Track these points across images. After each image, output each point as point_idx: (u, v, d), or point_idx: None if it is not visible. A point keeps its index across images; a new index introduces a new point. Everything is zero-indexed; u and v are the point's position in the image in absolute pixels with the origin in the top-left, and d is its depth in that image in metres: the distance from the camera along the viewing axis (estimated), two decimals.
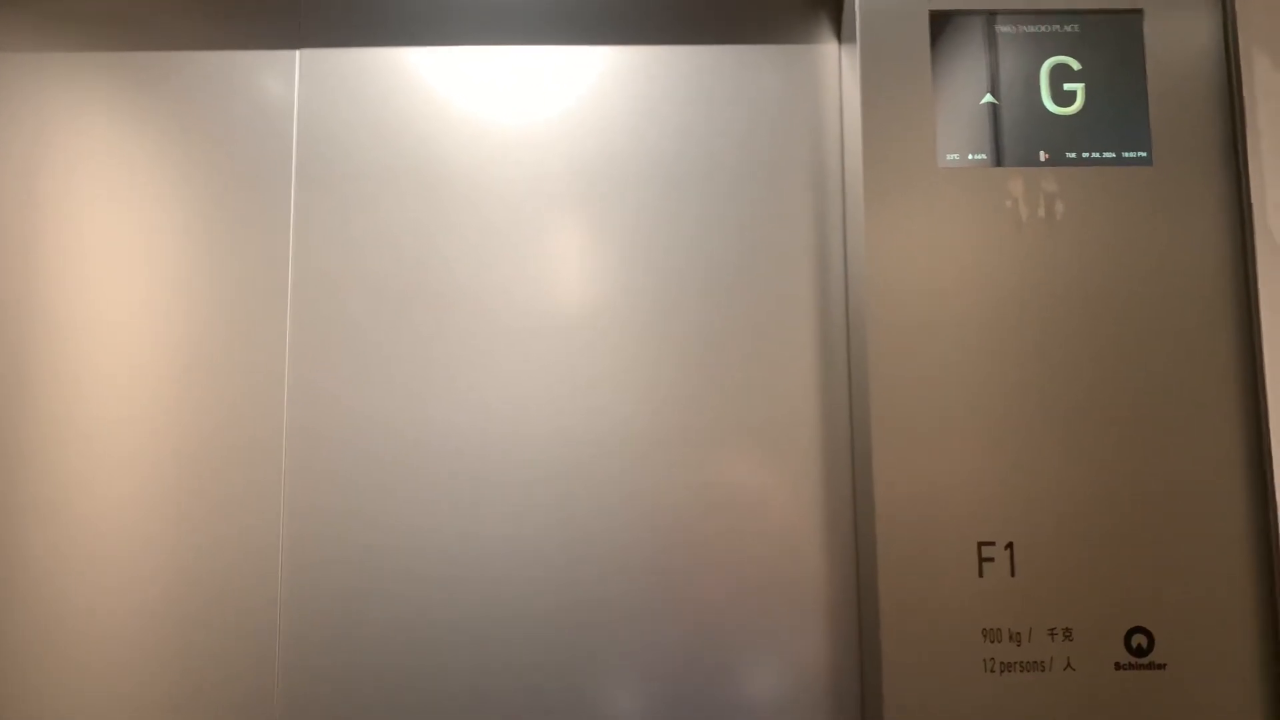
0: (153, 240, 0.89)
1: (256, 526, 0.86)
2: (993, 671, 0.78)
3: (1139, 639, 0.78)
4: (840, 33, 0.91)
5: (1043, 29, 0.85)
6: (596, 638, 0.85)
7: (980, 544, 0.79)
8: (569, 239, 0.90)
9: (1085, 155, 0.83)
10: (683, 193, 0.90)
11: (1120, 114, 0.84)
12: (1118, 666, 0.78)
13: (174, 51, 0.91)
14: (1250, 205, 0.81)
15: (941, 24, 0.84)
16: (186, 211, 0.90)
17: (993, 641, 0.78)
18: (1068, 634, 0.78)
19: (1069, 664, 0.78)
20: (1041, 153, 0.83)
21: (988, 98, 0.84)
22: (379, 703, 0.84)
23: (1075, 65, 0.84)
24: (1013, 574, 0.79)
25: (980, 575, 0.79)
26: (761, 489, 0.87)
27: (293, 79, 0.91)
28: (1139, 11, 0.84)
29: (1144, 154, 0.83)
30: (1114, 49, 0.84)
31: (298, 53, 0.92)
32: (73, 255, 0.89)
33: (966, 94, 0.84)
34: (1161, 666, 0.78)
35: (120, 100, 0.91)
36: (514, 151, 0.91)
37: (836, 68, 0.92)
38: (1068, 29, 0.85)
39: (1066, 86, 0.84)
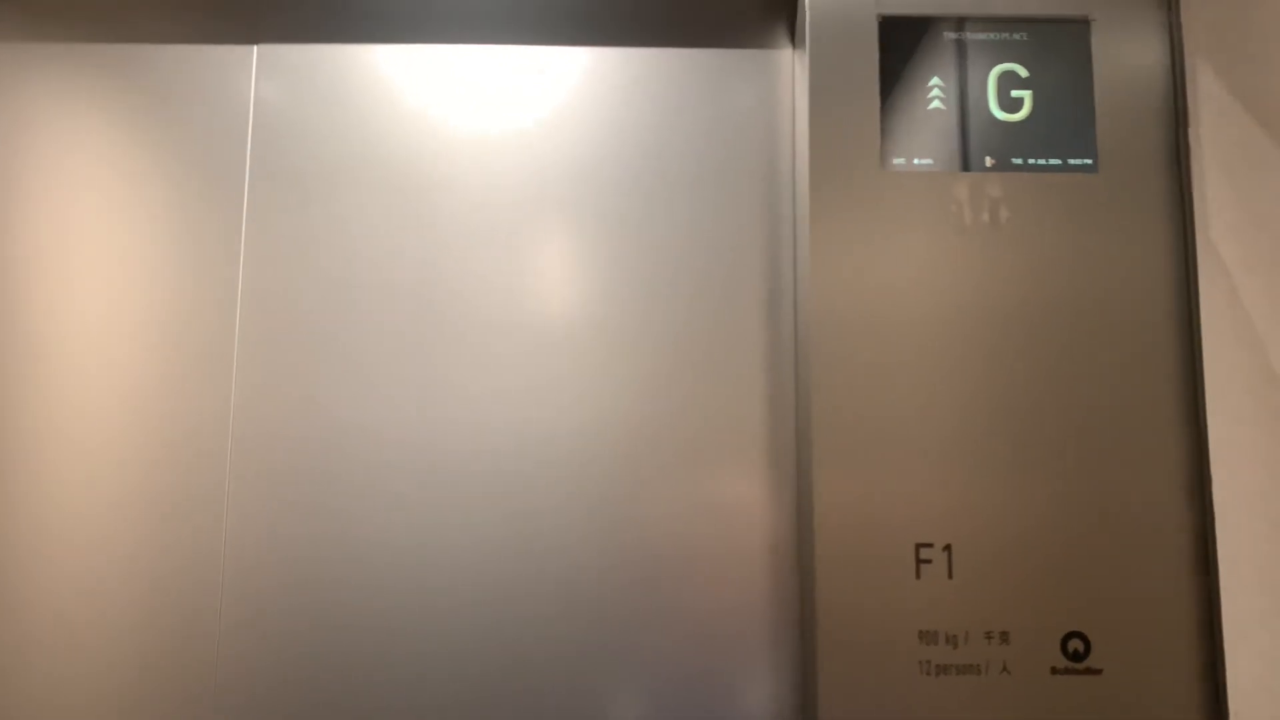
0: (108, 232, 0.90)
1: (201, 525, 0.86)
2: (928, 674, 0.78)
3: (1075, 644, 0.78)
4: (794, 38, 0.92)
5: (991, 36, 0.85)
6: (541, 640, 0.85)
7: (918, 545, 0.79)
8: (525, 241, 0.90)
9: (1031, 161, 0.84)
10: (641, 198, 0.90)
11: (1067, 121, 0.84)
12: (1054, 671, 0.78)
13: (138, 44, 0.92)
14: (1193, 212, 0.82)
15: (890, 29, 0.85)
16: (142, 203, 0.90)
17: (929, 644, 0.78)
18: (1004, 637, 0.78)
19: (1005, 667, 0.78)
20: (988, 158, 0.84)
21: (935, 103, 0.84)
22: (316, 703, 0.84)
23: (1023, 72, 0.85)
24: (950, 576, 0.79)
25: (918, 577, 0.79)
26: (708, 492, 0.87)
27: (250, 74, 0.92)
28: (1087, 21, 0.85)
29: (1089, 161, 0.83)
30: (1062, 57, 0.85)
31: (255, 48, 0.92)
32: (25, 245, 0.89)
33: (914, 99, 0.84)
34: (1098, 672, 0.78)
35: (91, 91, 0.91)
36: (471, 152, 0.91)
37: (791, 73, 0.92)
38: (1016, 37, 0.85)
39: (1014, 93, 0.85)
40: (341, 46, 0.92)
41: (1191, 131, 0.84)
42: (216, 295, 0.89)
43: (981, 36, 0.85)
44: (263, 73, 0.92)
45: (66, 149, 0.90)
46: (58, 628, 0.85)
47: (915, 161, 0.83)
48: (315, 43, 0.92)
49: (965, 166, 0.83)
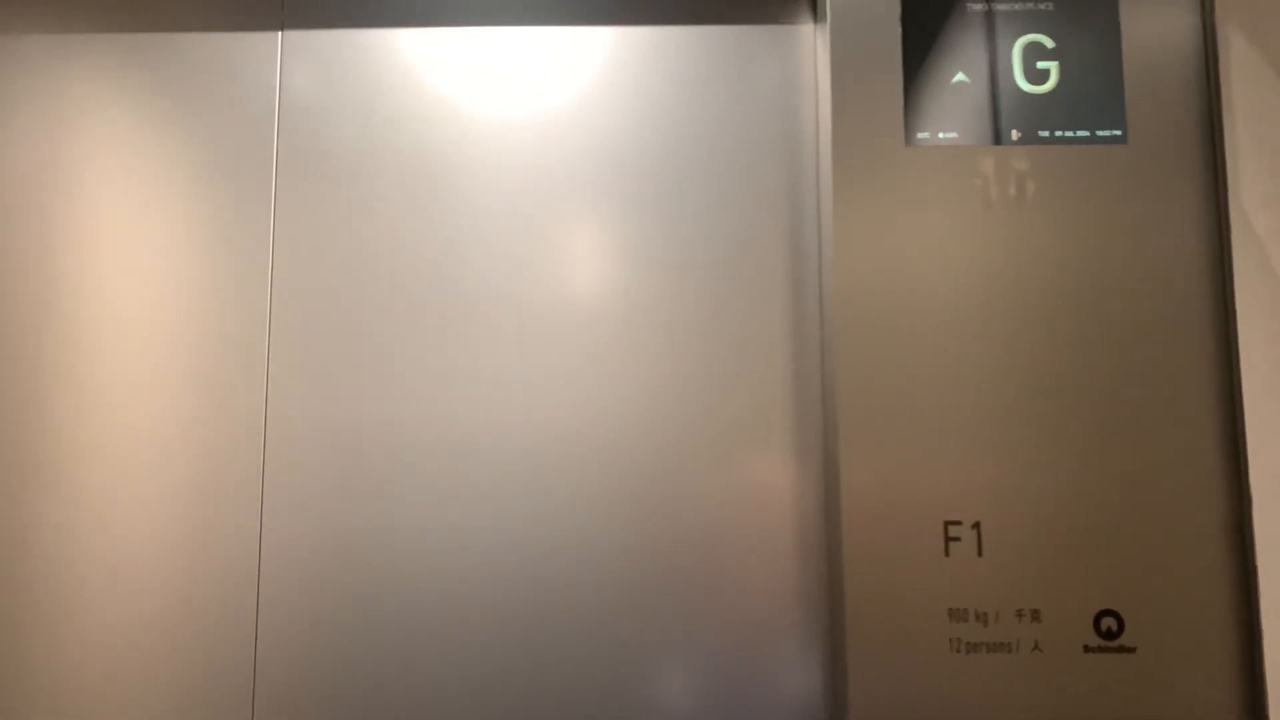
0: (140, 219, 0.90)
1: (237, 516, 0.86)
2: (958, 652, 0.77)
3: (1109, 622, 0.77)
4: (816, 13, 0.91)
5: (1016, 7, 0.84)
6: (573, 624, 0.85)
7: (947, 523, 0.78)
8: (551, 223, 0.90)
9: (1058, 134, 0.82)
10: (664, 177, 0.90)
11: (1095, 92, 0.83)
12: (1087, 649, 0.77)
13: (165, 33, 0.93)
14: (1226, 183, 0.80)
15: (913, 2, 0.84)
16: (172, 189, 0.91)
17: (959, 622, 0.77)
18: (1036, 615, 0.77)
19: (1037, 645, 0.77)
20: (1014, 131, 0.83)
21: (959, 76, 0.83)
22: (353, 695, 0.84)
23: (1049, 43, 0.84)
24: (980, 554, 0.78)
25: (946, 555, 0.78)
26: (735, 474, 0.86)
27: (276, 60, 0.92)
28: None
29: (1119, 132, 0.82)
30: (1089, 27, 0.84)
31: (280, 34, 0.92)
32: (58, 231, 0.90)
33: (938, 73, 0.83)
34: (1132, 650, 0.77)
35: (120, 80, 0.92)
36: (495, 134, 0.91)
37: (810, 48, 0.92)
38: (1041, 7, 0.84)
39: (1040, 65, 0.84)
40: (366, 31, 0.92)
41: (1223, 101, 0.82)
42: (247, 279, 0.89)
43: (1006, 7, 0.84)
44: (289, 59, 0.92)
45: (97, 138, 0.91)
46: (96, 622, 0.86)
47: (940, 136, 0.82)
48: (340, 28, 0.92)
49: (991, 140, 0.82)
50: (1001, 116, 0.83)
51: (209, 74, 0.92)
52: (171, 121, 0.91)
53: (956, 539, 0.78)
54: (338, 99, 0.91)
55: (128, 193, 0.91)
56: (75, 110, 0.92)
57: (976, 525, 0.78)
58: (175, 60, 0.92)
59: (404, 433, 0.87)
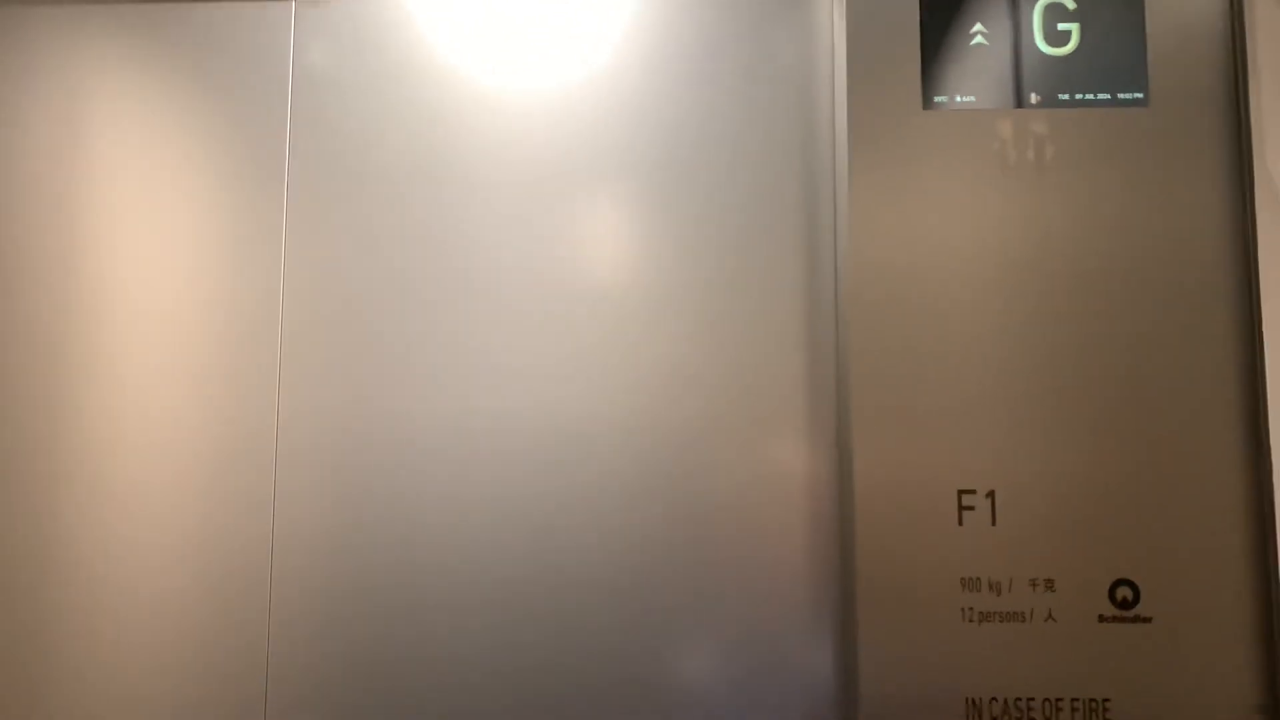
0: (151, 201, 0.90)
1: (248, 515, 0.86)
2: (971, 621, 0.76)
3: (1124, 591, 0.76)
4: None
5: None
6: (587, 620, 0.84)
7: (960, 491, 0.78)
8: (567, 201, 0.89)
9: (1079, 97, 0.81)
10: (680, 151, 0.89)
11: (1116, 54, 0.81)
12: (1101, 619, 0.76)
13: (176, 3, 0.92)
14: (1251, 147, 0.79)
15: None
16: (186, 163, 0.91)
17: (971, 591, 0.77)
18: (1049, 585, 0.77)
19: (1050, 615, 0.76)
20: (1033, 95, 0.81)
21: (978, 39, 0.82)
22: (367, 690, 0.84)
23: (1070, 4, 0.82)
24: (994, 523, 0.77)
25: (960, 524, 0.77)
26: (750, 447, 0.86)
27: (289, 32, 0.92)
28: None
29: (1140, 95, 0.80)
30: None
31: (293, 4, 0.92)
32: (77, 199, 0.91)
33: (955, 34, 0.82)
34: (1147, 620, 0.76)
35: (139, 49, 0.92)
36: (511, 106, 0.90)
37: (830, 13, 0.90)
38: None
39: (1060, 26, 0.82)
40: (379, 1, 0.92)
41: (1249, 62, 0.80)
42: (260, 259, 0.89)
43: None
44: (301, 30, 0.92)
45: (114, 107, 0.91)
46: (106, 616, 0.86)
47: (958, 99, 0.81)
48: None
49: (1010, 103, 0.81)
50: (1021, 79, 0.81)
51: (223, 44, 0.92)
52: (186, 92, 0.91)
53: (970, 508, 0.77)
54: (351, 71, 0.91)
55: (142, 163, 0.91)
56: (94, 80, 0.92)
57: (991, 494, 0.77)
58: (188, 32, 0.92)
59: (417, 420, 0.86)
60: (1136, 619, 0.76)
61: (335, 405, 0.87)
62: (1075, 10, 0.82)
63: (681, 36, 0.90)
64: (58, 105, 0.92)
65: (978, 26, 0.82)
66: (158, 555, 0.86)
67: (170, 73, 0.91)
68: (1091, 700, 0.76)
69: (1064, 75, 0.81)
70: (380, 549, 0.85)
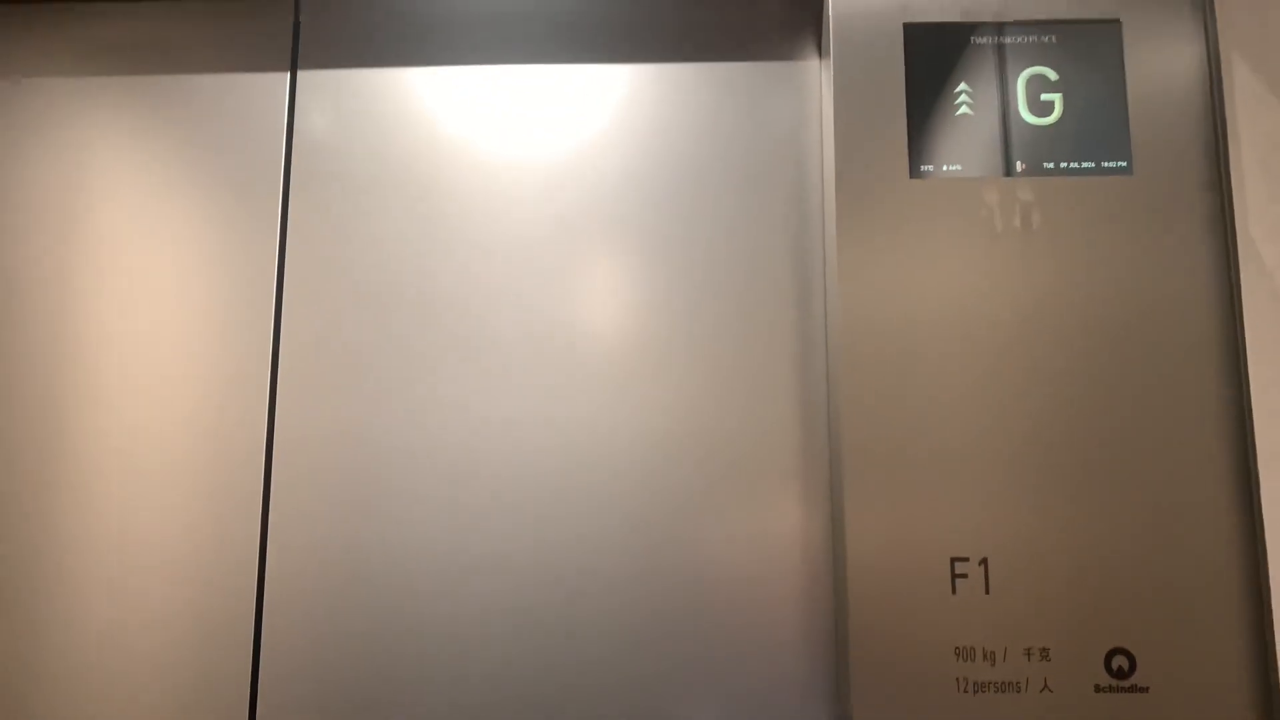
0: (155, 259, 0.91)
1: (238, 538, 0.87)
2: (965, 692, 0.76)
3: (1120, 660, 0.76)
4: (821, 48, 0.91)
5: (1019, 40, 0.84)
6: (576, 654, 0.84)
7: (953, 559, 0.77)
8: (560, 259, 0.90)
9: (1064, 165, 0.82)
10: (673, 213, 0.90)
11: (1100, 124, 0.82)
12: (1098, 689, 0.75)
13: (179, 75, 0.94)
14: (1233, 212, 0.80)
15: (916, 36, 0.84)
16: (186, 226, 0.92)
17: (966, 660, 0.76)
18: (1045, 654, 0.76)
19: (1046, 685, 0.76)
20: (1019, 163, 0.82)
21: (964, 109, 0.83)
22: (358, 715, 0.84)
23: (1052, 75, 0.83)
24: (987, 591, 0.77)
25: (953, 592, 0.77)
26: (742, 509, 0.86)
27: (284, 100, 0.93)
28: (1116, 21, 0.83)
29: (1124, 163, 0.82)
30: (1092, 59, 0.83)
31: (286, 75, 0.94)
32: (78, 267, 0.92)
33: (942, 105, 0.83)
34: (1144, 690, 0.75)
35: (140, 119, 0.94)
36: (507, 172, 0.92)
37: (819, 83, 0.92)
38: (1044, 39, 0.84)
39: (1044, 97, 0.83)
40: (377, 70, 0.93)
41: (1229, 130, 0.81)
42: (257, 315, 0.90)
43: (1009, 40, 0.84)
44: (301, 99, 0.93)
45: (116, 175, 0.93)
46: (101, 634, 0.86)
47: (945, 168, 0.82)
48: (350, 68, 0.93)
49: (996, 172, 0.82)
50: (1007, 148, 0.82)
51: (221, 113, 0.93)
52: (186, 161, 0.93)
53: (963, 576, 0.77)
54: (347, 138, 0.92)
55: (144, 229, 0.92)
56: (97, 149, 0.93)
57: (984, 562, 0.77)
58: (189, 102, 0.94)
59: (412, 460, 0.87)
60: (1133, 689, 0.75)
61: (332, 470, 0.87)
62: (1058, 81, 0.83)
63: (677, 107, 0.92)
64: (62, 174, 0.93)
65: (963, 97, 0.83)
66: (148, 574, 0.86)
67: (172, 142, 0.93)
68: None
69: (1049, 144, 0.82)
70: (374, 607, 0.85)
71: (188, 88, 0.94)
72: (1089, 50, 0.83)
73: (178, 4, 0.96)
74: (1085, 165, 0.82)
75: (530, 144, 0.92)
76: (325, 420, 0.88)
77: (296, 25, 0.95)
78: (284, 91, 0.94)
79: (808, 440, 0.86)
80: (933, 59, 0.84)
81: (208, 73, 0.94)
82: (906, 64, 0.84)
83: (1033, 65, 0.84)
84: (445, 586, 0.85)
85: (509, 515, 0.86)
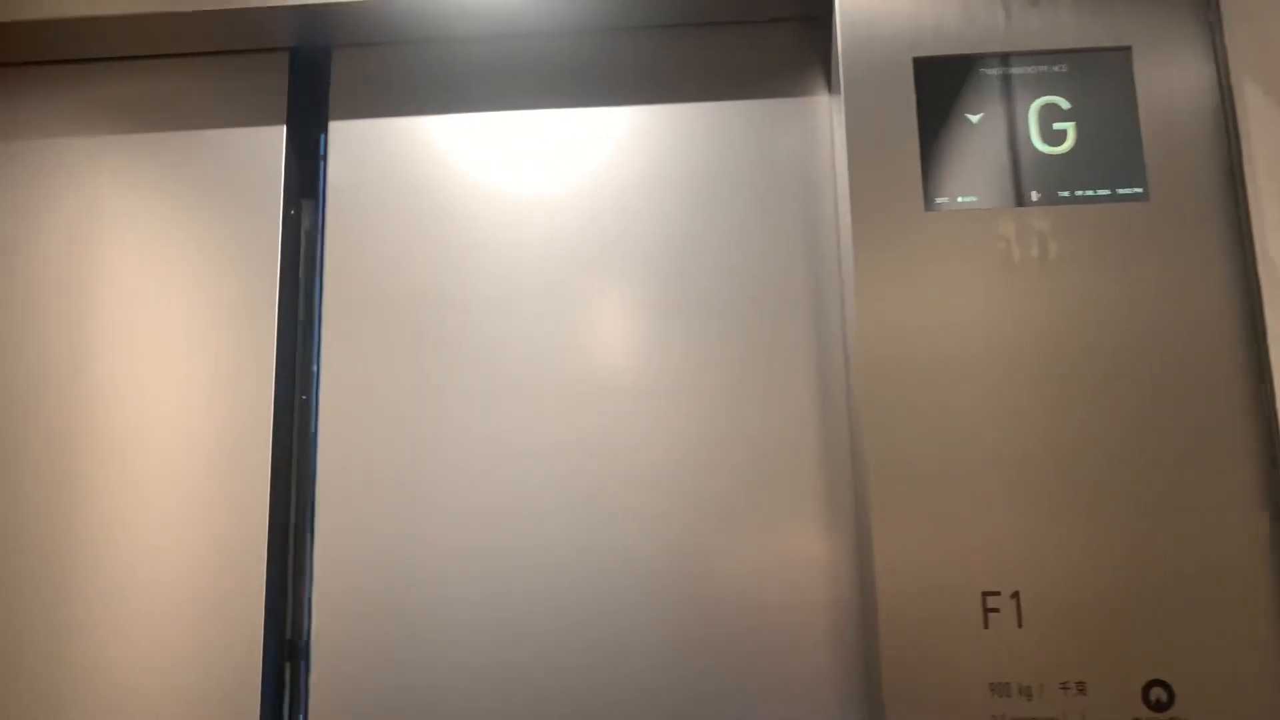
0: (176, 318, 0.92)
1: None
2: None
3: (1158, 693, 0.74)
4: (830, 84, 0.92)
5: (1029, 70, 0.84)
6: (603, 691, 0.84)
7: (985, 593, 0.76)
8: (580, 297, 0.91)
9: (1079, 193, 0.82)
10: (689, 249, 0.91)
11: (1113, 151, 0.82)
12: None
13: (198, 130, 0.95)
14: (1252, 235, 0.79)
15: (926, 70, 0.84)
16: (216, 284, 0.93)
17: (1001, 696, 0.75)
18: (1081, 688, 0.75)
19: (1084, 719, 0.74)
20: (1034, 192, 0.82)
21: (976, 139, 0.83)
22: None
23: (1064, 104, 0.84)
24: (1020, 624, 0.76)
25: (985, 626, 0.76)
26: (766, 544, 0.85)
27: (280, 151, 0.95)
28: (1127, 49, 0.83)
29: (1139, 190, 0.81)
30: (1103, 87, 0.83)
31: (283, 129, 0.95)
32: (115, 323, 0.92)
33: (954, 138, 0.83)
34: None
35: (151, 179, 0.95)
36: (528, 212, 0.92)
37: (830, 119, 0.92)
38: (1055, 69, 0.84)
39: (1056, 125, 0.83)
40: (396, 120, 0.95)
41: (1244, 153, 0.81)
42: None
43: (1019, 71, 0.84)
44: (334, 151, 0.95)
45: (127, 228, 0.94)
46: (138, 658, 0.86)
47: (959, 200, 0.82)
48: (379, 117, 0.95)
49: (1011, 202, 0.82)
50: (1021, 178, 0.82)
51: (226, 167, 0.95)
52: (200, 212, 0.94)
53: (995, 610, 0.76)
54: (377, 189, 0.93)
55: (165, 287, 0.93)
56: (107, 204, 0.94)
57: (1015, 595, 0.76)
58: (209, 157, 0.95)
59: (447, 492, 0.87)
60: None
61: (373, 507, 0.88)
62: (1070, 109, 0.83)
63: (691, 143, 0.93)
64: (73, 230, 0.94)
65: (975, 129, 0.83)
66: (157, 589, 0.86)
67: (189, 196, 0.94)
68: None
69: (1063, 173, 0.82)
70: (410, 644, 0.85)
71: (187, 143, 0.95)
72: (1100, 78, 0.83)
73: (176, 61, 0.97)
74: (1100, 193, 0.82)
75: (548, 188, 0.93)
76: (366, 462, 0.89)
77: (291, 82, 0.96)
78: (280, 144, 0.95)
79: (831, 474, 0.86)
80: (943, 92, 0.84)
81: (207, 128, 0.95)
82: (918, 98, 0.84)
83: (1044, 95, 0.84)
84: (478, 611, 0.85)
85: (538, 534, 0.87)
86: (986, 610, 0.76)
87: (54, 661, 0.86)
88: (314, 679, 0.85)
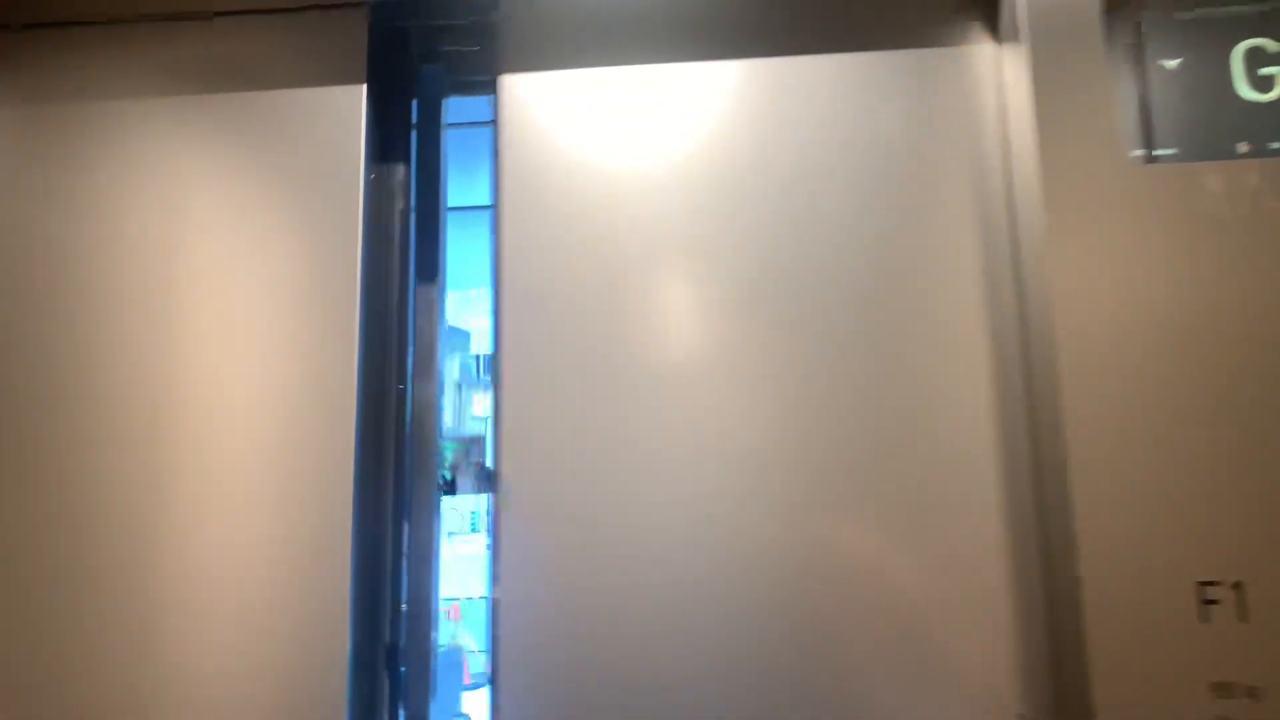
0: (267, 283, 0.88)
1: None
2: None
3: None
4: (999, 33, 0.85)
5: (1232, 11, 0.77)
6: (782, 696, 0.78)
7: (1200, 584, 0.69)
8: (725, 266, 0.85)
9: None
10: (849, 205, 0.85)
11: None
12: None
13: (262, 91, 0.91)
14: None
15: (1117, 15, 0.77)
16: (271, 240, 0.88)
17: (1224, 697, 0.68)
18: None
19: None
20: (1241, 144, 0.75)
21: (1175, 87, 0.76)
22: None
23: (1272, 47, 0.76)
24: (1243, 619, 0.69)
25: (1202, 620, 0.69)
26: (943, 539, 0.79)
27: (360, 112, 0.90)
28: None
29: None
30: None
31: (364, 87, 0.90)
32: (202, 289, 0.88)
33: (1150, 86, 0.76)
34: None
35: (223, 140, 0.90)
36: (669, 169, 0.87)
37: (992, 69, 0.85)
38: (1261, 8, 0.76)
39: (1263, 71, 0.76)
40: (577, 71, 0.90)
41: None
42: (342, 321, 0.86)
43: (1220, 12, 0.77)
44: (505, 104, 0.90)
45: (209, 199, 0.89)
46: (217, 655, 0.82)
47: (1157, 153, 0.75)
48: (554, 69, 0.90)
49: (1216, 155, 0.75)
50: (1225, 128, 0.75)
51: (299, 127, 0.90)
52: (268, 173, 0.89)
53: (1214, 601, 0.69)
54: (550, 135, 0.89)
55: (243, 248, 0.88)
56: (194, 167, 0.90)
57: (1237, 585, 0.69)
58: (268, 115, 0.90)
59: (631, 493, 0.83)
60: None
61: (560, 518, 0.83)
62: (1279, 53, 0.76)
63: (847, 95, 0.86)
64: (161, 191, 0.89)
65: (1173, 75, 0.76)
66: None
67: (254, 155, 0.89)
68: None
69: (1273, 121, 0.75)
70: (597, 637, 0.81)
71: (266, 103, 0.90)
72: None
73: (251, 18, 0.92)
74: None
75: (705, 142, 0.87)
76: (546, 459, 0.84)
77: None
78: (360, 103, 0.89)
79: (1008, 459, 0.79)
80: (1136, 37, 0.77)
81: (286, 88, 0.90)
82: (1109, 45, 0.77)
83: (1249, 37, 0.76)
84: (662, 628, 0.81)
85: (713, 549, 0.81)
86: (1203, 602, 0.69)
87: (140, 651, 0.82)
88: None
